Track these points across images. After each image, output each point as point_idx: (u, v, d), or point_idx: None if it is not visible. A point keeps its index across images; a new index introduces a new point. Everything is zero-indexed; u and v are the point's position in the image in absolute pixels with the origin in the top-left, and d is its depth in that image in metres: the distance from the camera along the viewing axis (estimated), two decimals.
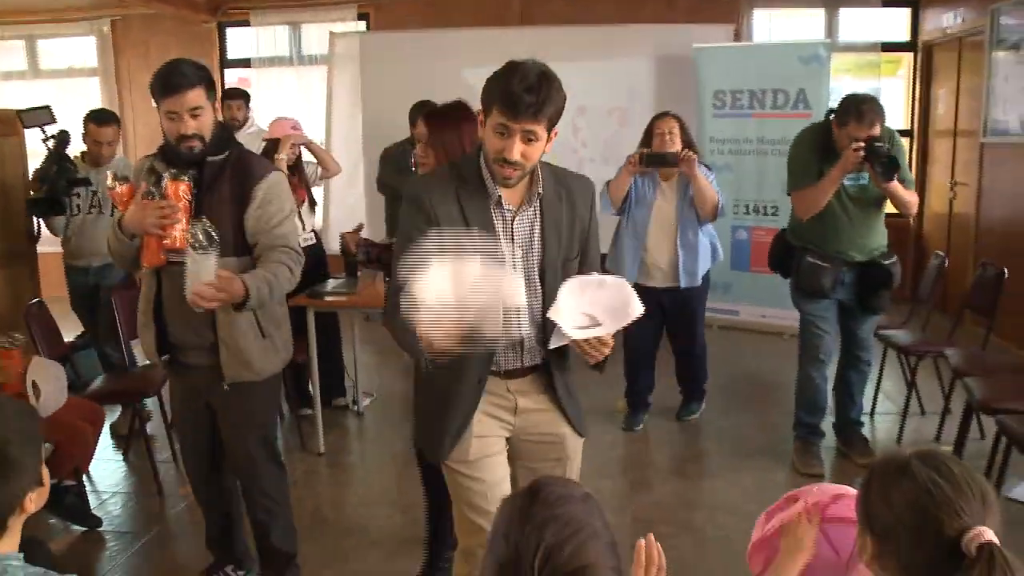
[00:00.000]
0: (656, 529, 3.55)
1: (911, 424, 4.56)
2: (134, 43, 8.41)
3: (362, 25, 7.99)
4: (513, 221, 2.18)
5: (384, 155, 5.49)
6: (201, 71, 2.64)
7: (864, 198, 3.91)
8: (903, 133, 7.15)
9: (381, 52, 7.43)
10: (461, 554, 2.41)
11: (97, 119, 4.72)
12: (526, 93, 1.99)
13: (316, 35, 8.05)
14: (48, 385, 3.51)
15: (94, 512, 3.79)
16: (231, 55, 8.46)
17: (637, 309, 2.08)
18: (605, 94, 7.04)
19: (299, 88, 8.19)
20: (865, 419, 4.45)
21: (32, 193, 4.70)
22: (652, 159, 4.41)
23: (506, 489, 2.27)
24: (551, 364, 2.29)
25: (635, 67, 7.10)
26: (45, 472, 1.67)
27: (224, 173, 2.72)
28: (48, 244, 5.02)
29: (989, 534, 1.24)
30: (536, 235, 2.20)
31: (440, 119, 2.88)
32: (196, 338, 2.77)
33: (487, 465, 2.28)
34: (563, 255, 2.23)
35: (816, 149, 3.96)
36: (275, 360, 2.89)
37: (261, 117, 6.54)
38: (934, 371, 4.74)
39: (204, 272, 2.53)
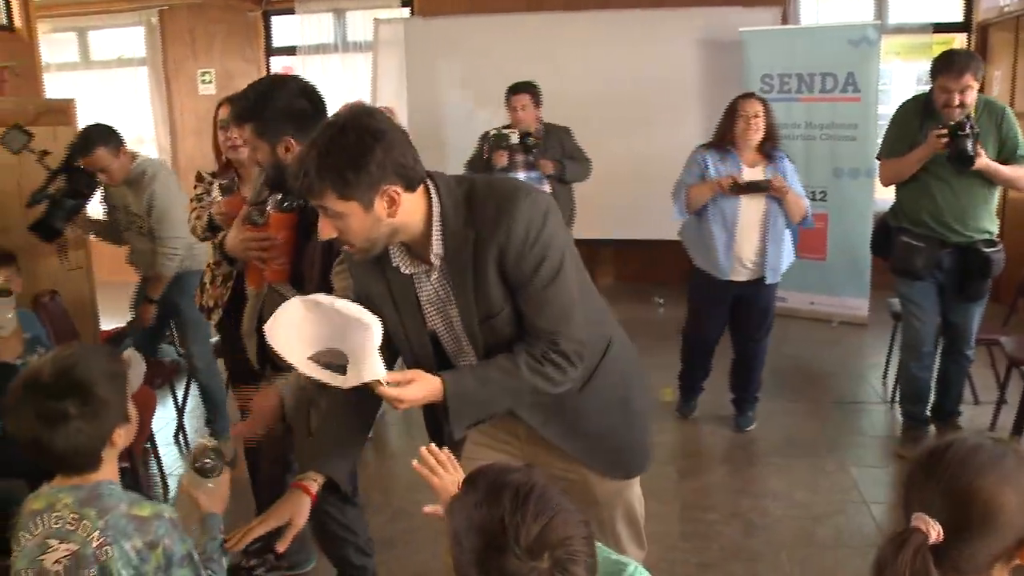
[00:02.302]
0: (703, 516, 3.61)
1: (965, 413, 4.47)
2: (181, 32, 8.51)
3: (406, 11, 7.99)
4: (415, 283, 1.94)
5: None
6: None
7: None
8: None
9: (426, 38, 7.45)
10: None
11: (83, 150, 4.09)
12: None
13: (361, 22, 8.08)
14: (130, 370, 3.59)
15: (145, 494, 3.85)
16: (276, 43, 8.52)
17: (374, 370, 1.75)
18: (649, 79, 7.00)
19: (344, 75, 8.23)
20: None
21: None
22: (742, 188, 4.10)
23: None
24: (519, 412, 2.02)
25: (680, 52, 7.05)
26: (132, 409, 1.80)
27: None
28: None
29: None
30: (449, 298, 1.92)
31: None
32: None
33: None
34: (482, 313, 1.89)
35: (917, 115, 3.85)
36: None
37: None
38: (988, 360, 4.65)
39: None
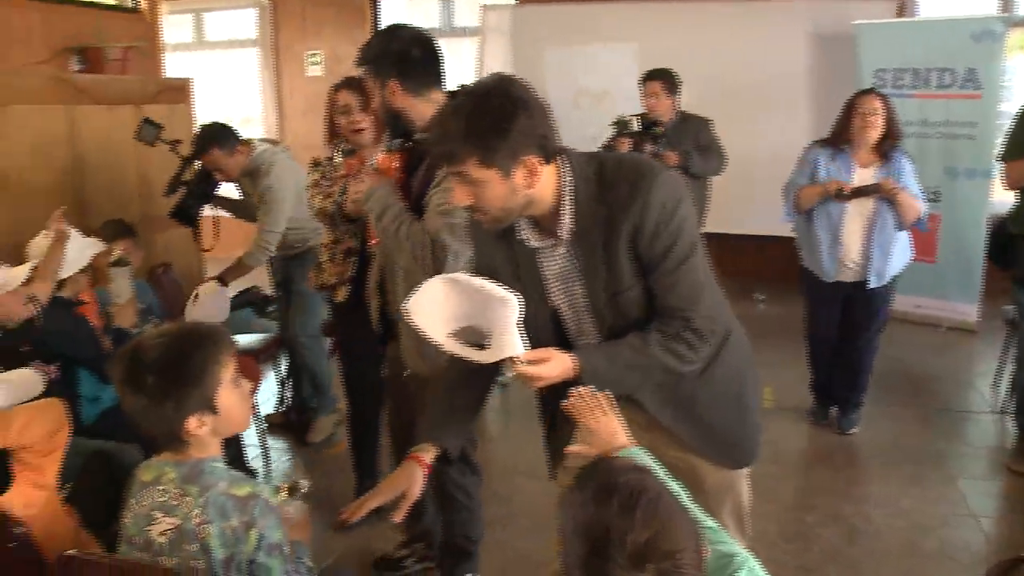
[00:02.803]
0: (802, 517, 3.55)
1: None
2: (291, 14, 8.68)
3: None
4: (539, 258, 1.94)
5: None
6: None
7: None
8: None
9: (533, 25, 7.44)
10: None
11: (199, 151, 4.08)
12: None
13: (468, 7, 8.12)
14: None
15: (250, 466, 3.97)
16: (383, 26, 8.61)
17: (514, 346, 1.77)
18: (757, 73, 6.87)
19: (449, 60, 8.24)
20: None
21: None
22: (849, 195, 3.99)
23: None
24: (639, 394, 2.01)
25: (789, 45, 6.90)
26: (230, 401, 1.74)
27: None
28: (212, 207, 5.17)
29: None
30: (574, 274, 1.92)
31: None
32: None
33: None
34: (610, 289, 1.88)
35: None
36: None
37: None
38: None
39: None
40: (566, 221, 1.84)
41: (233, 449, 3.90)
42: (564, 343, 1.98)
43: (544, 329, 1.98)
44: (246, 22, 8.93)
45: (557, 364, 1.85)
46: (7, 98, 3.62)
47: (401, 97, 2.49)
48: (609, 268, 1.85)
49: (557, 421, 2.08)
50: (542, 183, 1.79)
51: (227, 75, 9.09)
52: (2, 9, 4.17)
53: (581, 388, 1.79)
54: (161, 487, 1.71)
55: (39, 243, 3.17)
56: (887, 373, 5.20)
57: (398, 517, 1.89)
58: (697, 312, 1.89)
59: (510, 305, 1.74)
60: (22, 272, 3.04)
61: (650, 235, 1.81)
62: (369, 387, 3.43)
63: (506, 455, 4.29)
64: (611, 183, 1.82)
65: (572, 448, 1.76)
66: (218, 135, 4.03)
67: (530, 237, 1.91)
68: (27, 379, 2.13)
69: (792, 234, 4.45)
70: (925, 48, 6.18)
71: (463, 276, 1.81)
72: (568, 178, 1.83)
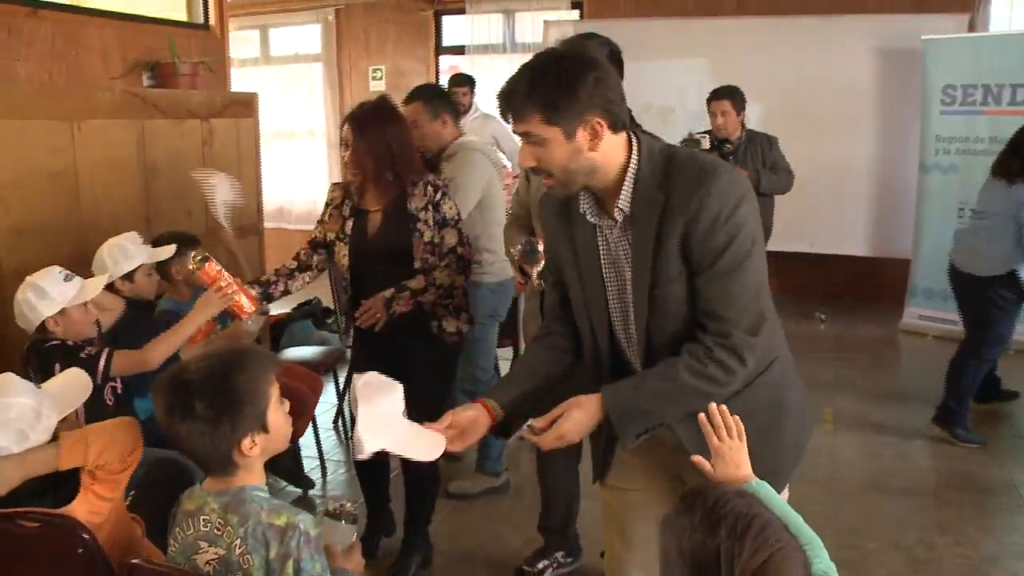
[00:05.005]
0: (862, 543, 3.44)
1: None
2: (355, 31, 8.82)
3: (576, 14, 8.02)
4: (598, 236, 1.91)
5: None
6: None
7: None
8: None
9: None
10: None
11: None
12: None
13: (530, 23, 8.16)
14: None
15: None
16: (446, 42, 8.71)
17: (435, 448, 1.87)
18: (820, 89, 6.79)
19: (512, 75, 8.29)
20: None
21: None
22: None
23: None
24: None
25: (854, 61, 6.81)
26: (278, 419, 1.76)
27: None
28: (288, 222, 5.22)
29: None
30: (625, 259, 1.87)
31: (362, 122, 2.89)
32: None
33: (614, 493, 2.16)
34: (649, 282, 1.81)
35: None
36: None
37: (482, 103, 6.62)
38: None
39: None
40: (622, 200, 1.81)
41: (291, 460, 3.96)
42: (617, 343, 1.96)
43: (601, 319, 1.95)
44: (311, 38, 9.09)
45: (580, 413, 1.82)
46: (83, 113, 3.71)
47: None
48: (656, 259, 1.79)
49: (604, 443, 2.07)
50: (607, 151, 1.77)
51: (292, 90, 9.24)
52: (81, 26, 4.29)
53: (716, 405, 1.69)
54: (204, 516, 1.71)
55: (108, 251, 3.19)
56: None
57: (457, 448, 1.91)
58: (737, 326, 1.77)
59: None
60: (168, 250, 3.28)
61: (705, 231, 1.73)
62: None
63: None
64: (676, 172, 1.78)
65: (697, 458, 1.68)
66: (427, 90, 3.84)
67: (589, 211, 1.88)
68: (73, 382, 2.13)
69: (856, 253, 4.39)
70: (997, 64, 6.05)
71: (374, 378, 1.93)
72: (636, 157, 1.81)
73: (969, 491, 3.91)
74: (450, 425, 1.92)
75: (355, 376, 1.96)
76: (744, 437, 1.65)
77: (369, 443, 1.84)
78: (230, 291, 2.71)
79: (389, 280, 2.91)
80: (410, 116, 3.63)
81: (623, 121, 1.78)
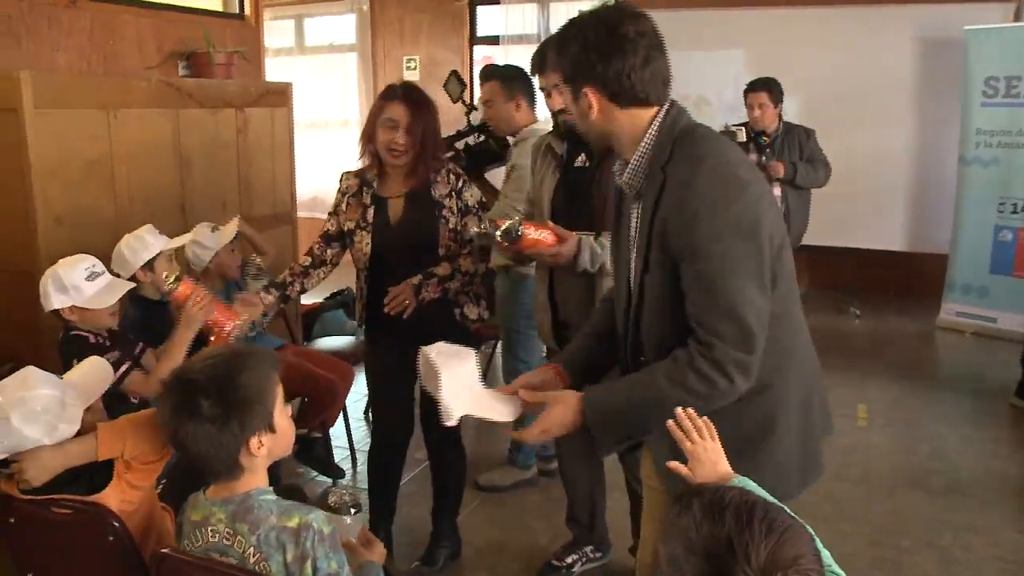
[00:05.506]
0: (896, 542, 3.40)
1: None
2: (390, 21, 8.81)
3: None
4: (630, 207, 1.88)
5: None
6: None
7: None
8: None
9: None
10: None
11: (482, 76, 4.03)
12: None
13: (564, 13, 8.09)
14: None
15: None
16: (480, 32, 8.68)
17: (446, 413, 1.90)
18: (860, 79, 6.70)
19: None
20: None
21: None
22: None
23: None
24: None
25: (895, 51, 6.69)
26: (283, 422, 1.74)
27: None
28: (321, 211, 5.20)
29: None
30: (631, 235, 1.85)
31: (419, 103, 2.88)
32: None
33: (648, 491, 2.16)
34: (640, 264, 1.78)
35: None
36: None
37: None
38: None
39: None
40: (628, 174, 1.81)
41: (322, 450, 3.98)
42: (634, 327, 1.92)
43: (622, 286, 1.93)
44: (345, 28, 9.09)
45: (561, 410, 1.82)
46: (120, 102, 3.75)
47: None
48: (649, 239, 1.74)
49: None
50: (617, 124, 1.78)
51: (326, 79, 9.27)
52: (117, 16, 4.34)
53: (683, 409, 1.62)
54: (211, 527, 1.69)
55: (125, 244, 3.19)
56: (988, 395, 5.00)
57: (528, 401, 1.92)
58: (721, 338, 1.65)
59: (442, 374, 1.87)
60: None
61: (680, 224, 1.66)
62: (400, 411, 3.20)
63: None
64: (678, 152, 1.72)
65: (673, 464, 1.59)
66: (505, 71, 3.88)
67: (618, 177, 1.87)
68: (91, 371, 2.13)
69: (893, 247, 4.31)
70: None
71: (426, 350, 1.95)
72: (652, 134, 1.77)
73: (1007, 492, 3.84)
74: (523, 387, 1.95)
75: (423, 349, 1.97)
76: (716, 437, 1.60)
77: (456, 409, 1.87)
78: (207, 303, 2.73)
79: (413, 267, 2.90)
80: (485, 94, 3.75)
81: (637, 97, 1.75)
